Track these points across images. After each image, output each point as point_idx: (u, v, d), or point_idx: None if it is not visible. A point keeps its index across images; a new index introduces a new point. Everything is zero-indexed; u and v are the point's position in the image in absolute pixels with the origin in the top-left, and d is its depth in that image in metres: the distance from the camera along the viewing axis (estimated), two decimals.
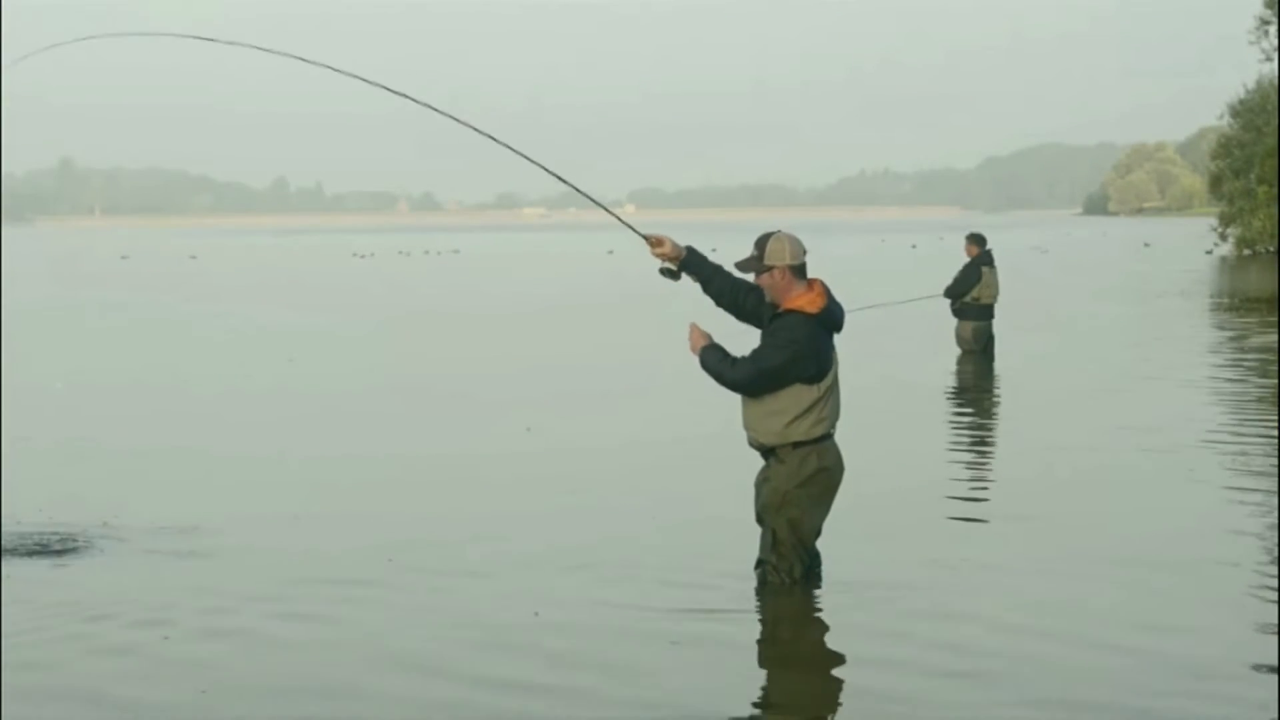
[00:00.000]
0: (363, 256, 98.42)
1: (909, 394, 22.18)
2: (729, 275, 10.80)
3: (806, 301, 10.36)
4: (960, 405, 21.48)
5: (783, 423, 10.31)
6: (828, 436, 10.45)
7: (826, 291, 10.45)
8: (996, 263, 26.42)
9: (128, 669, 9.32)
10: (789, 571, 10.60)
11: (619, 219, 11.54)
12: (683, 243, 10.86)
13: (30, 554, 12.05)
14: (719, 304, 10.84)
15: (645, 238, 10.74)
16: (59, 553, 12.09)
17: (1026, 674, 9.11)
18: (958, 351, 26.17)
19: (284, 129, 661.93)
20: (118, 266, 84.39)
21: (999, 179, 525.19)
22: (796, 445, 10.34)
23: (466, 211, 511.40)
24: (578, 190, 11.43)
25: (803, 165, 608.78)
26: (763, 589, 10.67)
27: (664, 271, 10.86)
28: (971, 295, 25.96)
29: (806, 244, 10.61)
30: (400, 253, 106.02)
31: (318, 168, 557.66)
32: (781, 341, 10.24)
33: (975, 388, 23.22)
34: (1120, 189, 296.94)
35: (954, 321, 26.44)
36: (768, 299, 10.51)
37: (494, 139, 11.59)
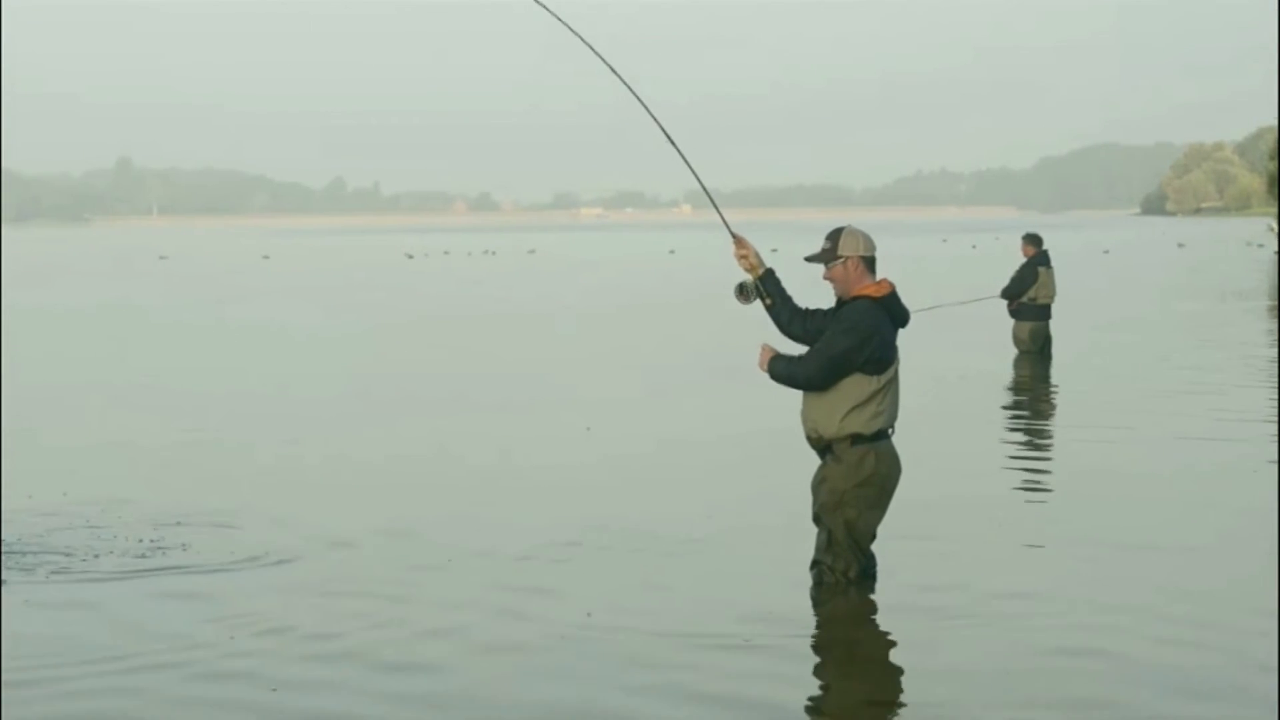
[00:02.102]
0: (411, 256, 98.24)
1: (966, 395, 22.15)
2: (794, 303, 10.85)
3: (874, 289, 10.44)
4: (1017, 406, 21.42)
5: (842, 412, 10.33)
6: (884, 435, 10.48)
7: (893, 286, 10.53)
8: (1054, 263, 26.40)
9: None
10: (844, 571, 10.64)
11: (719, 213, 11.46)
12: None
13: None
14: (788, 329, 10.82)
15: (735, 236, 10.81)
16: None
17: (1089, 668, 9.15)
18: (1015, 352, 26.14)
19: (341, 130, 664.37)
20: (186, 268, 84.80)
21: (1056, 179, 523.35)
22: (854, 442, 10.38)
23: (523, 211, 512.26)
24: (710, 199, 11.48)
25: (859, 165, 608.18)
26: (818, 589, 10.70)
27: (739, 291, 10.85)
28: (1028, 296, 25.91)
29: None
30: (445, 253, 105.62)
31: (375, 167, 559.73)
32: (847, 326, 10.29)
33: (1033, 388, 23.16)
34: (1178, 189, 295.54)
35: (1011, 322, 26.40)
36: (836, 293, 10.58)
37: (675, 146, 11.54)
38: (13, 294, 49.71)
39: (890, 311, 10.47)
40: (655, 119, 11.44)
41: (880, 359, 10.33)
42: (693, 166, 11.40)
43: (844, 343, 10.26)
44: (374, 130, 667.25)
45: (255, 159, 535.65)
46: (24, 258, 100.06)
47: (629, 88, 11.56)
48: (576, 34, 11.73)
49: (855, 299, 10.44)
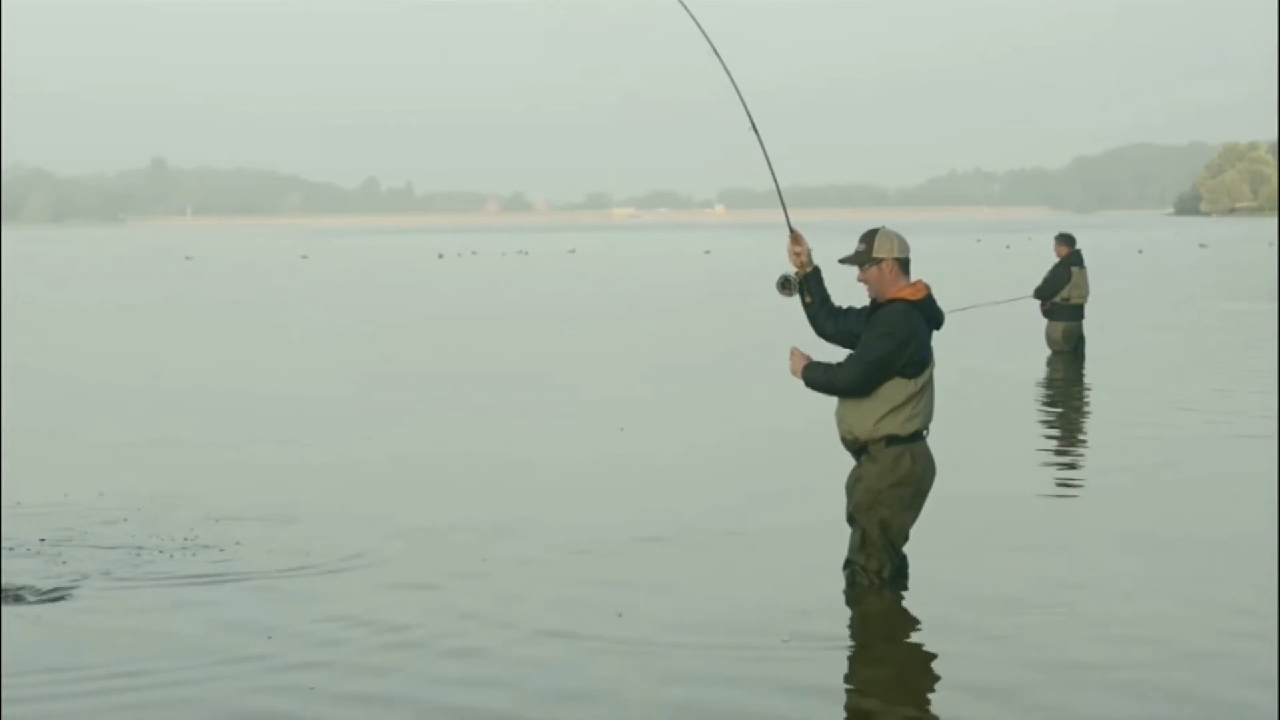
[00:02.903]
0: (442, 256, 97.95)
1: (999, 395, 22.15)
2: (833, 304, 10.89)
3: (910, 291, 10.45)
4: (1051, 406, 21.41)
5: (878, 415, 10.34)
6: (920, 436, 10.50)
7: (928, 288, 10.54)
8: (1087, 263, 26.38)
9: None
10: (878, 571, 10.65)
11: (784, 207, 11.39)
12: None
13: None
14: (821, 329, 10.86)
15: (793, 231, 10.84)
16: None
17: (1118, 668, 9.18)
18: (1048, 352, 26.13)
19: (375, 130, 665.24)
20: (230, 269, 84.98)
21: (1089, 179, 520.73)
22: (890, 442, 10.40)
23: (556, 211, 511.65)
24: (782, 198, 11.47)
25: (892, 165, 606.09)
26: (851, 589, 10.73)
27: (782, 284, 10.89)
28: (1061, 296, 25.90)
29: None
30: (474, 253, 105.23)
31: (407, 167, 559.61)
32: (885, 331, 10.30)
33: (1066, 388, 23.15)
34: (1212, 189, 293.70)
35: (1044, 322, 26.39)
36: (870, 295, 10.60)
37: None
38: (13, 293, 50.03)
39: (926, 314, 10.47)
40: (751, 119, 11.62)
41: (917, 361, 10.34)
42: (771, 163, 11.49)
43: (882, 347, 10.27)
44: (404, 130, 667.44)
45: (289, 159, 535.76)
46: (36, 256, 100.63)
47: (737, 89, 11.70)
48: (702, 30, 11.83)
49: (891, 301, 10.45)
